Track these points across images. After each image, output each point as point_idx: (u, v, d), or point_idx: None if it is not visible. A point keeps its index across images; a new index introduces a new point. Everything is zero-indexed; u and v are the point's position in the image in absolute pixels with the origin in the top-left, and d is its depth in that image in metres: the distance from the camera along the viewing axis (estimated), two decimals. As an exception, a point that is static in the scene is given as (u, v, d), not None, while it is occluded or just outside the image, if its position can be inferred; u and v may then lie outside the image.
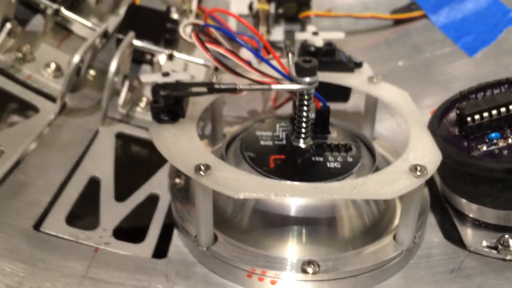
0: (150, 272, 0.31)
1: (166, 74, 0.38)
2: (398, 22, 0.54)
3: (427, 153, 0.31)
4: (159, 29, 0.47)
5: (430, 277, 0.32)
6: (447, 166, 0.33)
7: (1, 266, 0.29)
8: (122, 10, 0.50)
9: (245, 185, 0.29)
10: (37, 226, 0.33)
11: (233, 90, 0.33)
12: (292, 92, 0.35)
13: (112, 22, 0.48)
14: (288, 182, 0.29)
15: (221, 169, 0.29)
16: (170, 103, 0.33)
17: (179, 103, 0.33)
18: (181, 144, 0.32)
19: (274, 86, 0.33)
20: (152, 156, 0.42)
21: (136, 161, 0.43)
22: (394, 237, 0.32)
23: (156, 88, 0.33)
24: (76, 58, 0.40)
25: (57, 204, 0.35)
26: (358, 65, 0.41)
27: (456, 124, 0.35)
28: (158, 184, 0.38)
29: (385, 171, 0.30)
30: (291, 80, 0.33)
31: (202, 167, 0.29)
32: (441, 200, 0.36)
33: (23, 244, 0.31)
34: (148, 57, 0.47)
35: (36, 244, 0.31)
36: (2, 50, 0.42)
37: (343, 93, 0.42)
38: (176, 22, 0.48)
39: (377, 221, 0.33)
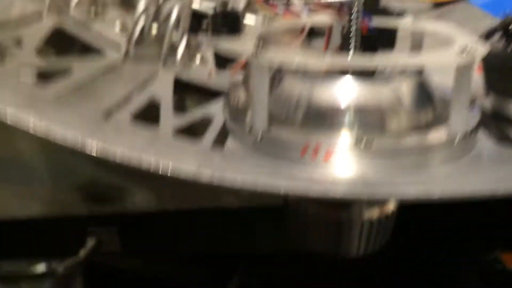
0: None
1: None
2: (437, 6, 0.57)
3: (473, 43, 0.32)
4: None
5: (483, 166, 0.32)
6: (496, 71, 0.35)
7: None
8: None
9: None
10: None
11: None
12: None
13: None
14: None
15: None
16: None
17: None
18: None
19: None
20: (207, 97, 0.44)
21: (191, 102, 0.45)
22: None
23: None
24: (141, 6, 0.45)
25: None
26: (400, 14, 0.43)
27: (502, 40, 0.36)
28: (214, 108, 0.40)
29: (436, 51, 0.32)
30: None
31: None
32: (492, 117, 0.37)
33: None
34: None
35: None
36: (76, 7, 0.47)
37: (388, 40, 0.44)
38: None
39: (429, 120, 0.34)
